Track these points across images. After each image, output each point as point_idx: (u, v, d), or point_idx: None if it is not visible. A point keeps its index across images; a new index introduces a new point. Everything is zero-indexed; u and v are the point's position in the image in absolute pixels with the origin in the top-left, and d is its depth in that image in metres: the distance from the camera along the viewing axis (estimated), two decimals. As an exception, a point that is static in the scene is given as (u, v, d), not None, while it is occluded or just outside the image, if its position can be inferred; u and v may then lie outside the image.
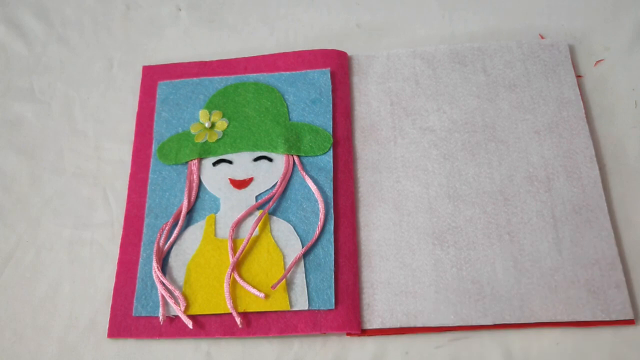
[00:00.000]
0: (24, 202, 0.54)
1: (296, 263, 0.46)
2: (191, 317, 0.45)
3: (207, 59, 0.57)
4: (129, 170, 0.53)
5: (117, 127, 0.56)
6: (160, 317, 0.45)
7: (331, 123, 0.52)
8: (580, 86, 0.52)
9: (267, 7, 0.62)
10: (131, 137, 0.55)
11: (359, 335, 0.45)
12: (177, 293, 0.46)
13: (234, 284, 0.46)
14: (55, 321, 0.48)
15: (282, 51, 0.57)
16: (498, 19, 0.57)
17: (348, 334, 0.45)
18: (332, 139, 0.51)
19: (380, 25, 0.59)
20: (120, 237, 0.50)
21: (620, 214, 0.47)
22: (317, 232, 0.47)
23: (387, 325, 0.44)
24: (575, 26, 0.56)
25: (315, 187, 0.49)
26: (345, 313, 0.45)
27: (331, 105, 0.53)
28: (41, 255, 0.51)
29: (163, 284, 0.46)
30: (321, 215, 0.48)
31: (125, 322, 0.46)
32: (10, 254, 0.51)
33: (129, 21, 0.63)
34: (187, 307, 0.45)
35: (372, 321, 0.45)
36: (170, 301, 0.45)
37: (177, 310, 0.45)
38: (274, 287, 0.45)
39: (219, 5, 0.62)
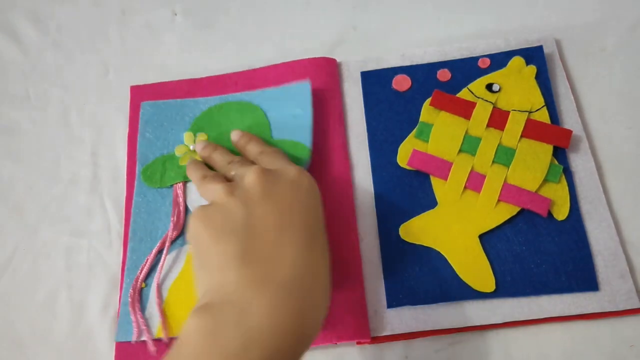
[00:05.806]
0: (21, 210, 0.53)
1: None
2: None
3: (203, 64, 0.57)
4: (125, 177, 0.53)
5: (114, 133, 0.56)
6: (133, 340, 0.45)
7: (310, 137, 0.50)
8: (571, 83, 0.52)
9: (264, 12, 0.61)
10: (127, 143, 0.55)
11: (369, 343, 0.44)
12: (158, 317, 0.46)
13: None
14: (54, 329, 0.48)
15: (278, 56, 0.56)
16: (496, 22, 0.57)
17: (358, 343, 0.45)
18: (310, 152, 0.49)
19: (378, 29, 0.58)
20: (117, 243, 0.50)
21: (616, 205, 0.47)
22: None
23: (397, 331, 0.44)
24: (568, 24, 0.55)
25: None
26: (353, 322, 0.44)
27: (311, 119, 0.51)
28: (38, 263, 0.51)
29: (138, 309, 0.46)
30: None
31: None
32: (8, 262, 0.51)
33: (125, 26, 0.62)
34: (170, 329, 0.45)
35: (381, 328, 0.44)
36: (143, 327, 0.45)
37: (145, 335, 0.45)
38: None
39: (214, 10, 0.62)
